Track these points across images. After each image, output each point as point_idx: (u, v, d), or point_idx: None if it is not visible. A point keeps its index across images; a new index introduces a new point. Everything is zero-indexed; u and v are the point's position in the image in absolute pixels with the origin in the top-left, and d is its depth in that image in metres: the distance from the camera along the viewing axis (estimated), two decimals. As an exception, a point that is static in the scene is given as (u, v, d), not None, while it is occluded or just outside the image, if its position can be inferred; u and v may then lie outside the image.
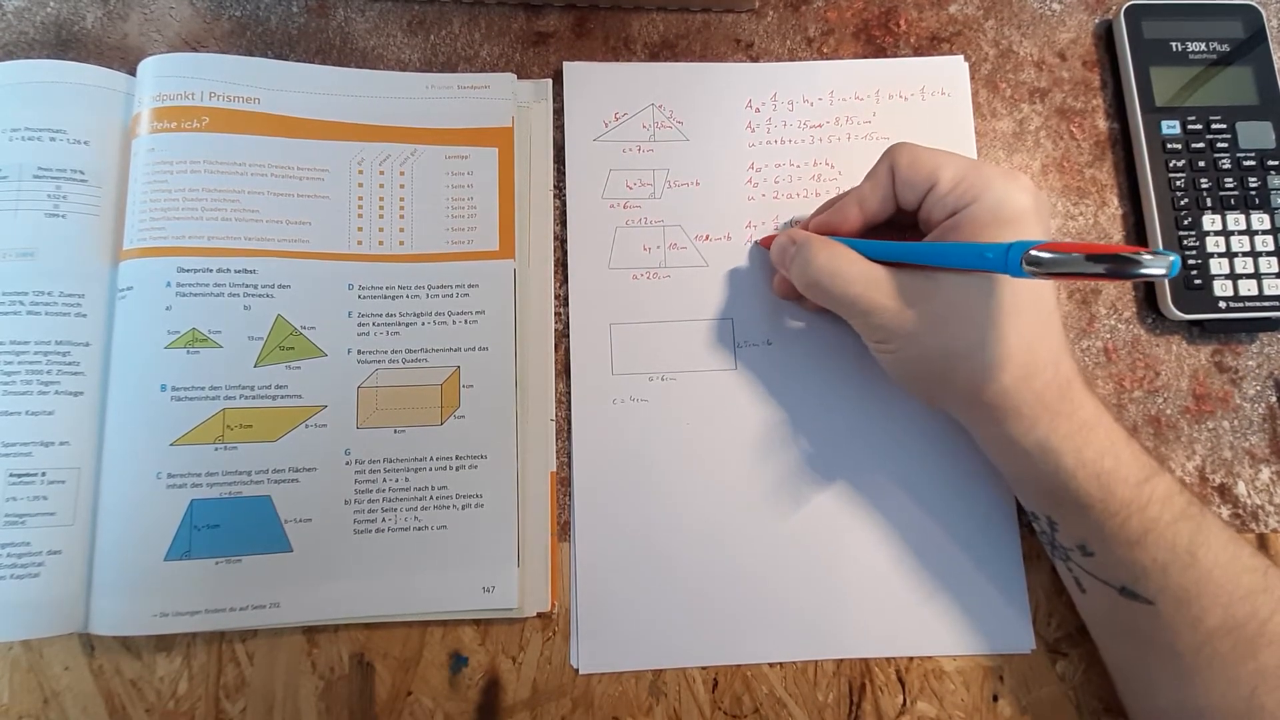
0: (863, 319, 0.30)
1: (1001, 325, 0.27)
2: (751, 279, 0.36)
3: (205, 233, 0.33)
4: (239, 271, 0.33)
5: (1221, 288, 0.35)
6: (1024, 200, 0.27)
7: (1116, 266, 0.23)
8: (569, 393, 0.35)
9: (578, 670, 0.32)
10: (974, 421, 0.30)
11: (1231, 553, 0.28)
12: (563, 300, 0.36)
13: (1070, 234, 0.37)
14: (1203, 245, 0.35)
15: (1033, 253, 0.23)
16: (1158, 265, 0.23)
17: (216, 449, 0.32)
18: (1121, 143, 0.38)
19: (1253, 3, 0.38)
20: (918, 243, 0.29)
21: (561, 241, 0.36)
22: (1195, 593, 0.27)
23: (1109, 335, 0.36)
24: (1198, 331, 0.36)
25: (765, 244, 0.35)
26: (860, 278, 0.29)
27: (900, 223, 0.31)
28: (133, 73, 0.35)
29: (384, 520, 0.32)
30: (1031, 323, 0.28)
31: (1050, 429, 0.28)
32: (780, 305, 0.35)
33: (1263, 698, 0.26)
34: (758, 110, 0.37)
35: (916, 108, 0.37)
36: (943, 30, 0.39)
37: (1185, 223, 0.36)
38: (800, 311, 0.35)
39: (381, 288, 0.34)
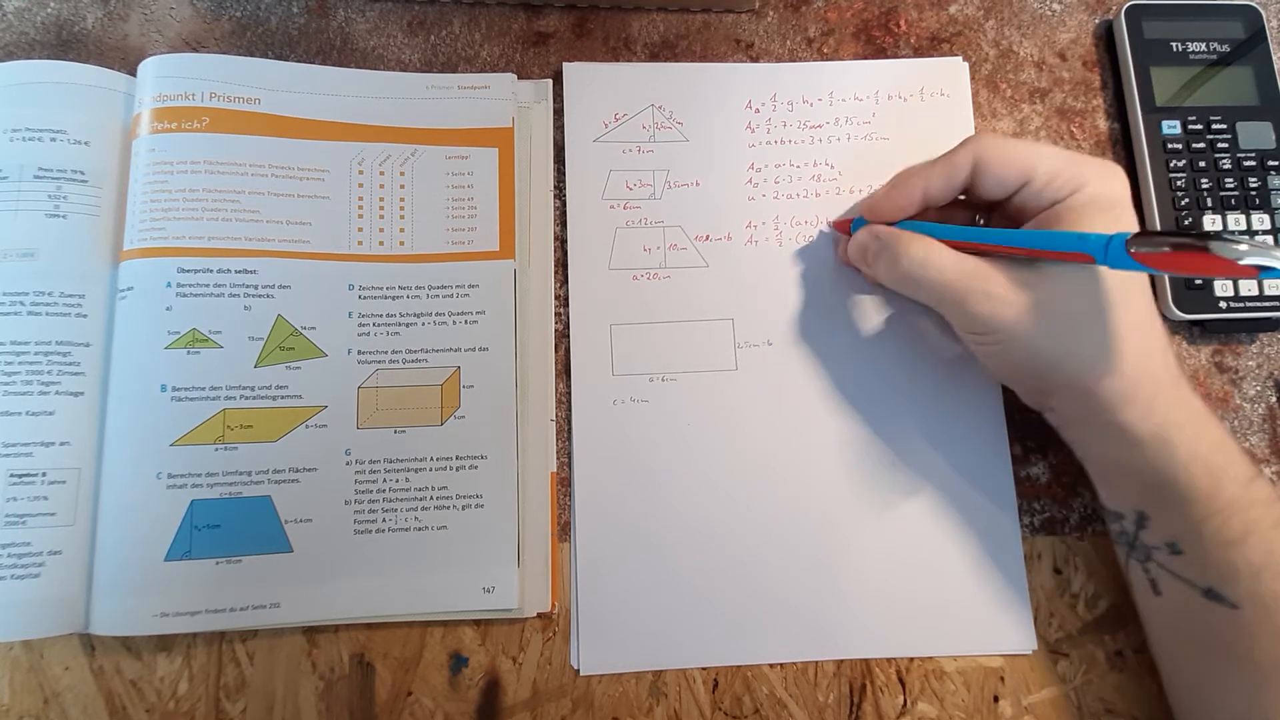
0: (958, 308, 0.29)
1: (1116, 312, 0.27)
2: (751, 279, 0.36)
3: (205, 233, 0.33)
4: (239, 272, 0.33)
5: (1222, 288, 0.35)
6: (1121, 188, 0.28)
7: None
8: (569, 393, 0.34)
9: (578, 671, 0.32)
10: (1083, 413, 0.29)
11: None
12: (563, 300, 0.36)
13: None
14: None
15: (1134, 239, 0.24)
16: (1261, 256, 0.22)
17: (217, 449, 0.32)
18: (1122, 143, 0.38)
19: (1253, 3, 0.38)
20: (1009, 230, 0.29)
21: (561, 242, 0.36)
22: None
23: (1109, 335, 0.36)
24: (1198, 331, 0.36)
25: (840, 227, 0.35)
26: (953, 266, 0.29)
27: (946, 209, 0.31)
28: (133, 73, 0.35)
29: (384, 520, 0.32)
30: (1140, 312, 0.28)
31: (1166, 418, 0.27)
32: (780, 305, 0.35)
33: None
34: (758, 111, 0.37)
35: (916, 108, 0.37)
36: (943, 31, 0.39)
37: (1186, 223, 0.36)
38: (800, 311, 0.35)
39: (382, 288, 0.34)
